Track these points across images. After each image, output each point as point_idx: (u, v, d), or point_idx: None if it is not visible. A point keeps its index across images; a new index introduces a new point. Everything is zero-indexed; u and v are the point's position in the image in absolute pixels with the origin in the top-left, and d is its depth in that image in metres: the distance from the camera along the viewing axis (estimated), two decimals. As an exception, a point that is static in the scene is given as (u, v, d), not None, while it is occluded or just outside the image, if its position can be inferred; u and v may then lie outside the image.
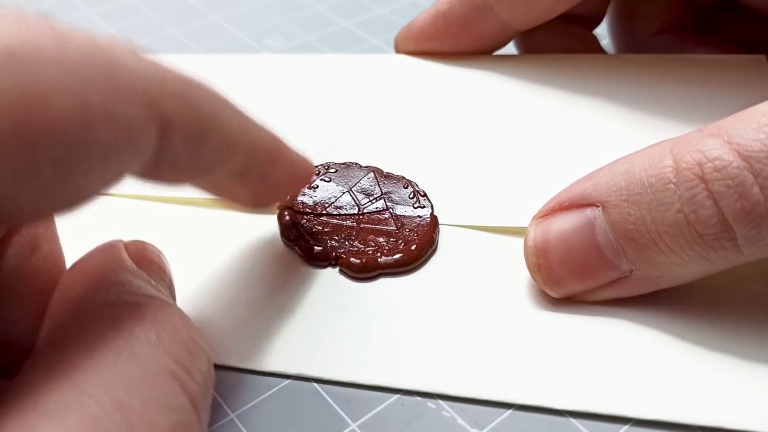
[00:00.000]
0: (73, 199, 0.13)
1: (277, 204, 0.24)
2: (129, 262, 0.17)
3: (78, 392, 0.12)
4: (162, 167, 0.14)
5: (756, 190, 0.17)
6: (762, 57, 0.26)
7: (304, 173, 0.20)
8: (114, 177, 0.13)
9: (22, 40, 0.11)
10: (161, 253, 0.19)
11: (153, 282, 0.17)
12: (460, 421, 0.18)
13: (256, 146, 0.17)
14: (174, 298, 0.19)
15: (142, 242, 0.18)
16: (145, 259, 0.17)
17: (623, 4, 0.30)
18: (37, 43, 0.12)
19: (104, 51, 0.13)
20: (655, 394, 0.18)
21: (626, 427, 0.18)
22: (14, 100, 0.11)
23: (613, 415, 0.18)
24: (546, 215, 0.20)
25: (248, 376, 0.19)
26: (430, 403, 0.19)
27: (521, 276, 0.21)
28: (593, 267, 0.19)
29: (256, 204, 0.20)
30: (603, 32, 0.32)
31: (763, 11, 0.27)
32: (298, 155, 0.20)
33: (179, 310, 0.16)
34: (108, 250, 0.17)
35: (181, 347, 0.14)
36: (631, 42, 0.30)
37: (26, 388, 0.13)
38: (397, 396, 0.19)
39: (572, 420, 0.18)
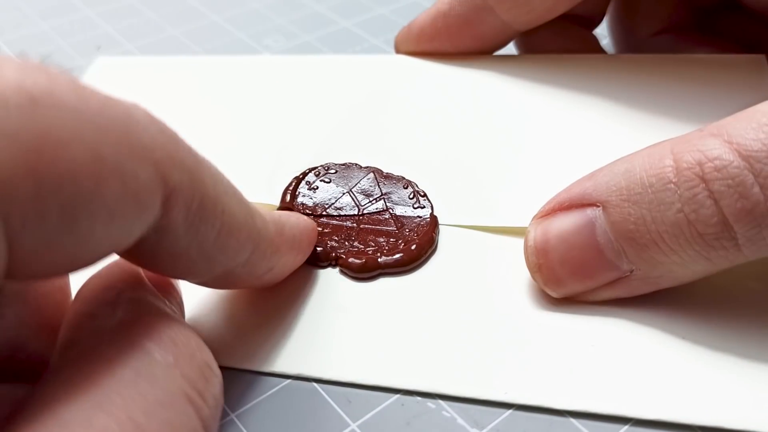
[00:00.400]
0: (75, 256, 0.13)
1: (277, 206, 0.24)
2: (145, 279, 0.17)
3: (99, 410, 0.12)
4: (162, 243, 0.14)
5: (756, 189, 0.17)
6: (762, 57, 0.26)
7: (310, 244, 0.21)
8: (117, 238, 0.13)
9: (43, 88, 0.12)
10: None
11: (167, 302, 0.17)
12: (460, 421, 0.18)
13: (260, 240, 0.17)
14: (184, 318, 0.19)
15: None
16: (160, 278, 0.17)
17: (623, 4, 0.30)
18: (57, 92, 0.12)
19: (121, 109, 0.13)
20: (655, 394, 0.18)
21: (626, 427, 0.18)
22: (32, 144, 0.11)
23: (613, 415, 0.18)
24: (546, 215, 0.20)
25: (248, 376, 0.19)
26: (430, 403, 0.19)
27: (521, 276, 0.21)
28: (593, 267, 0.19)
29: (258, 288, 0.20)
30: (603, 32, 0.32)
31: (762, 11, 0.27)
32: (299, 233, 0.20)
33: (195, 333, 0.16)
34: (125, 264, 0.17)
35: (196, 371, 0.14)
36: (631, 42, 0.30)
37: (46, 401, 0.13)
38: (397, 396, 0.19)
39: (572, 420, 0.18)
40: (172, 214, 0.14)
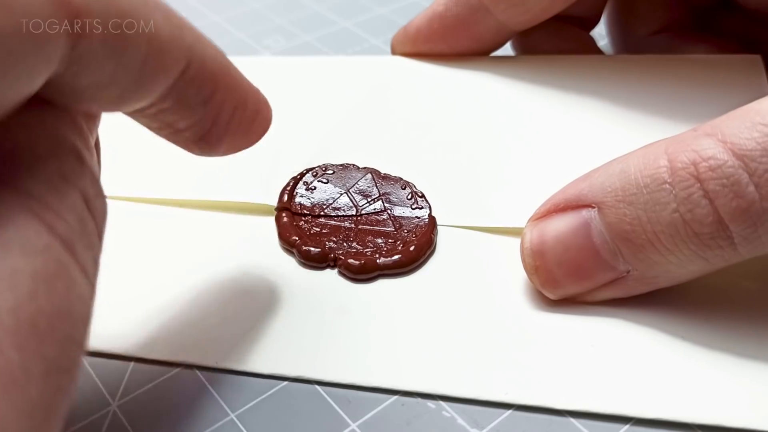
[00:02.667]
0: None
1: (275, 207, 0.24)
2: None
3: None
4: (82, 77, 0.13)
5: (751, 188, 0.17)
6: (758, 57, 0.27)
7: (257, 106, 0.18)
8: (18, 82, 0.11)
9: None
10: None
11: None
12: (460, 421, 0.18)
13: (193, 55, 0.15)
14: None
15: None
16: None
17: (621, 4, 0.30)
18: None
19: None
20: (654, 394, 0.18)
21: (626, 426, 0.18)
22: None
23: (613, 415, 0.18)
24: (542, 217, 0.20)
25: (248, 376, 0.19)
26: (430, 403, 0.19)
27: (520, 276, 0.21)
28: (590, 268, 0.19)
29: (200, 140, 0.17)
30: (601, 32, 0.32)
31: (759, 10, 0.27)
32: (250, 85, 0.18)
33: (48, 129, 0.13)
34: None
35: (42, 185, 0.13)
36: (629, 41, 0.30)
37: None
38: (397, 396, 0.19)
39: (572, 420, 0.18)
40: (84, 42, 0.12)
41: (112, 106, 0.14)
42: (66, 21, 0.11)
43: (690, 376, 0.18)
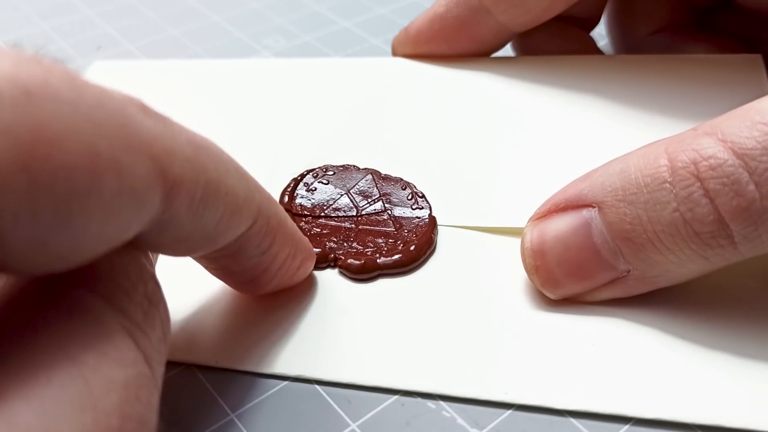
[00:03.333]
0: (69, 253, 0.12)
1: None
2: None
3: (31, 348, 0.12)
4: (164, 232, 0.14)
5: (751, 187, 0.17)
6: (758, 56, 0.27)
7: (304, 255, 0.20)
8: (114, 235, 0.13)
9: (38, 80, 0.11)
10: None
11: None
12: (460, 421, 0.18)
13: (259, 214, 0.17)
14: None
15: None
16: None
17: (621, 4, 0.30)
18: (53, 84, 0.11)
19: (117, 102, 0.13)
20: (654, 394, 0.18)
21: (626, 426, 0.18)
22: (26, 137, 0.11)
23: (613, 415, 0.18)
24: (542, 217, 0.20)
25: (248, 376, 0.19)
26: (430, 403, 0.19)
27: (520, 276, 0.21)
28: (590, 268, 0.19)
29: (249, 283, 0.19)
30: (601, 32, 0.32)
31: (759, 10, 0.27)
32: (301, 236, 0.20)
33: (137, 258, 0.15)
34: None
35: (134, 304, 0.14)
36: (629, 41, 0.30)
37: None
38: (397, 396, 0.19)
39: (572, 420, 0.18)
40: (174, 207, 0.14)
41: (182, 253, 0.16)
42: (162, 190, 0.13)
43: (690, 376, 0.18)
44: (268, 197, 0.18)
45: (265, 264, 0.19)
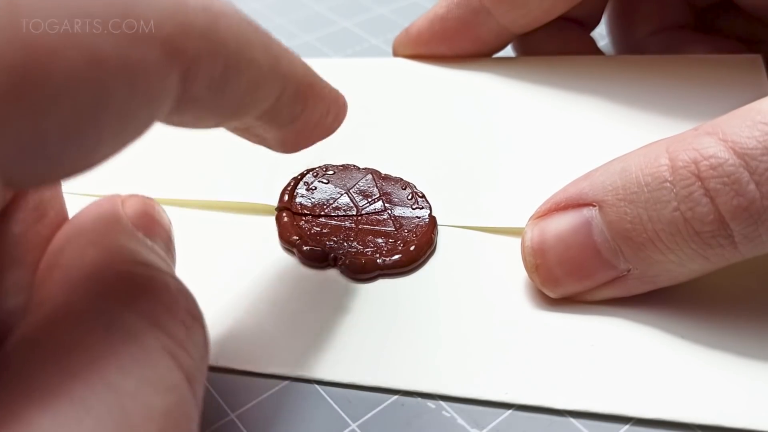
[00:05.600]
0: (85, 163, 0.11)
1: (275, 207, 0.24)
2: (126, 222, 0.15)
3: (67, 375, 0.12)
4: (184, 113, 0.13)
5: (752, 187, 0.17)
6: (758, 57, 0.27)
7: (337, 110, 0.19)
8: (129, 136, 0.12)
9: None
10: (160, 207, 0.17)
11: (149, 243, 0.15)
12: (460, 421, 0.18)
13: (286, 83, 0.15)
14: (173, 256, 0.17)
15: (141, 197, 0.17)
16: (144, 216, 0.16)
17: (621, 4, 0.30)
18: None
19: None
20: (654, 394, 0.18)
21: (626, 426, 0.18)
22: (16, 60, 0.09)
23: (613, 415, 0.18)
24: (543, 216, 0.20)
25: (248, 376, 0.19)
26: (430, 403, 0.19)
27: (521, 276, 0.21)
28: (591, 267, 0.19)
29: (284, 145, 0.18)
30: (601, 33, 0.32)
31: (759, 11, 0.27)
32: (331, 90, 0.18)
33: (175, 279, 0.14)
34: (104, 208, 0.15)
35: (175, 322, 0.13)
36: (630, 41, 0.30)
37: (14, 367, 0.12)
38: (397, 396, 0.19)
39: (572, 420, 0.18)
40: (193, 88, 0.12)
41: (206, 127, 0.15)
42: (178, 75, 0.12)
43: (690, 376, 0.18)
44: (294, 59, 0.16)
45: (299, 127, 0.17)
